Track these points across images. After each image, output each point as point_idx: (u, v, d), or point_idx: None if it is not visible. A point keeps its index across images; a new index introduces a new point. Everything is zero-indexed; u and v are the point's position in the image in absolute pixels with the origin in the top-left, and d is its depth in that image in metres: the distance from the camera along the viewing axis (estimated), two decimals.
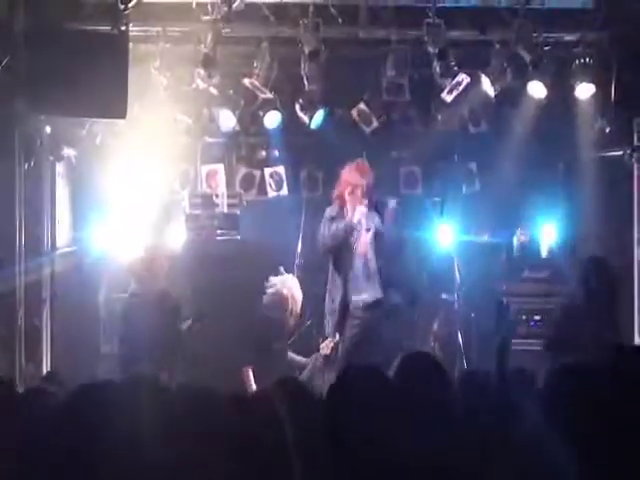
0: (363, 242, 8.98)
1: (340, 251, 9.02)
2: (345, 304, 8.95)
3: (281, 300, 9.47)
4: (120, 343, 9.09)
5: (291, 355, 9.68)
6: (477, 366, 9.78)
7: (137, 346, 8.66)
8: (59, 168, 10.06)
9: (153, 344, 8.62)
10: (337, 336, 9.72)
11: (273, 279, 9.60)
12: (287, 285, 9.53)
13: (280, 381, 5.55)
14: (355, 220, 8.95)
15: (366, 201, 8.96)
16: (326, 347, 9.45)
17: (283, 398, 3.65)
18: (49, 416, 3.10)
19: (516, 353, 10.13)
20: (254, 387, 9.01)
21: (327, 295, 9.14)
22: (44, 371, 9.41)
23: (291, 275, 9.72)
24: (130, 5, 8.89)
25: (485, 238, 10.69)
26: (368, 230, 9.01)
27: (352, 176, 9.05)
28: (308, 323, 9.94)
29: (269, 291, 9.53)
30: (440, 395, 3.09)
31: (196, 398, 4.40)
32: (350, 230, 8.97)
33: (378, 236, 9.01)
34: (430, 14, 9.48)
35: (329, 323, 9.09)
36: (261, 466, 3.08)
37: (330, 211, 9.16)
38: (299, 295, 9.54)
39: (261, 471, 3.13)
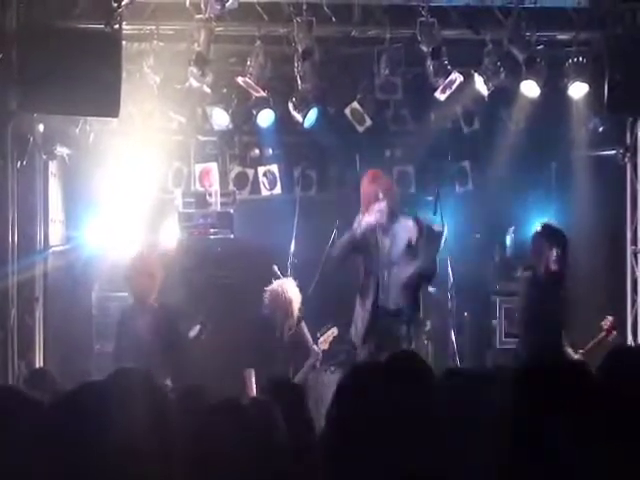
0: (396, 251, 8.82)
1: (370, 255, 8.81)
2: (375, 309, 8.77)
3: (274, 298, 9.41)
4: (115, 350, 8.99)
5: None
6: (470, 365, 9.81)
7: (133, 356, 8.57)
8: (52, 167, 10.03)
9: (150, 354, 8.58)
10: (335, 330, 9.69)
11: (275, 281, 9.55)
12: (283, 286, 9.47)
13: (270, 381, 5.57)
14: (361, 226, 8.65)
15: (380, 205, 8.69)
16: (324, 342, 9.42)
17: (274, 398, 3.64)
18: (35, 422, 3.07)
19: (510, 352, 10.27)
20: (255, 389, 8.95)
21: (358, 302, 8.88)
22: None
23: (290, 278, 9.64)
24: (123, 3, 8.88)
25: (478, 237, 10.71)
26: (398, 237, 8.78)
27: (365, 187, 8.81)
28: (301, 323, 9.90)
29: (267, 290, 9.47)
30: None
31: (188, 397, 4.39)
32: (353, 239, 8.68)
33: (411, 248, 8.74)
34: (423, 13, 9.48)
35: (358, 327, 8.85)
36: (255, 468, 3.07)
37: (358, 219, 8.84)
38: (295, 297, 9.46)
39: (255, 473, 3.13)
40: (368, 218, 8.72)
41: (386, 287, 8.73)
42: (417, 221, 8.83)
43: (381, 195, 8.72)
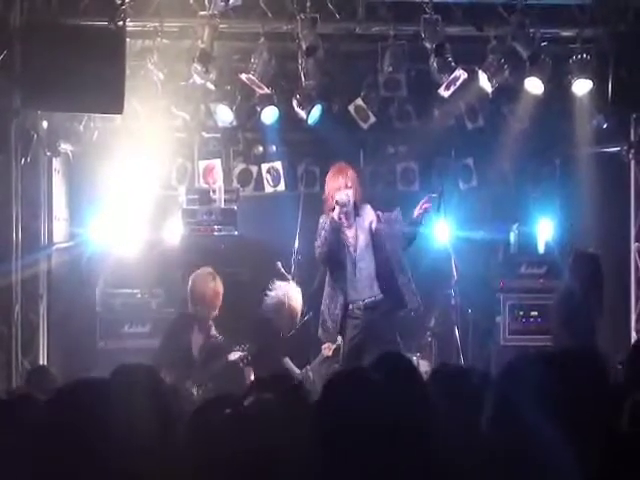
0: (360, 244, 8.85)
1: (337, 253, 8.88)
2: (345, 306, 8.82)
3: (278, 307, 9.50)
4: (157, 358, 8.90)
5: (287, 362, 9.66)
6: (474, 362, 9.81)
7: (174, 361, 8.65)
8: (56, 164, 10.04)
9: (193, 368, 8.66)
10: (339, 339, 9.70)
11: (278, 283, 9.58)
12: (288, 294, 9.52)
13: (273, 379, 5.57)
14: (336, 214, 8.71)
15: (348, 191, 8.72)
16: (328, 349, 9.43)
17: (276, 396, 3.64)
18: (33, 422, 3.07)
19: (513, 349, 10.28)
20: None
21: (327, 299, 8.89)
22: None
23: (294, 284, 9.67)
24: (127, 0, 8.88)
25: (482, 234, 10.70)
26: (361, 229, 8.88)
27: (330, 182, 8.89)
28: (306, 318, 9.91)
29: (270, 295, 9.53)
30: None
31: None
32: (337, 225, 8.72)
33: (375, 236, 8.83)
34: (427, 9, 9.47)
35: (330, 326, 8.89)
36: (252, 467, 3.07)
37: (323, 219, 8.91)
38: (298, 306, 9.52)
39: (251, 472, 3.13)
40: (338, 195, 8.73)
41: (356, 282, 8.76)
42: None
43: (345, 185, 8.76)
